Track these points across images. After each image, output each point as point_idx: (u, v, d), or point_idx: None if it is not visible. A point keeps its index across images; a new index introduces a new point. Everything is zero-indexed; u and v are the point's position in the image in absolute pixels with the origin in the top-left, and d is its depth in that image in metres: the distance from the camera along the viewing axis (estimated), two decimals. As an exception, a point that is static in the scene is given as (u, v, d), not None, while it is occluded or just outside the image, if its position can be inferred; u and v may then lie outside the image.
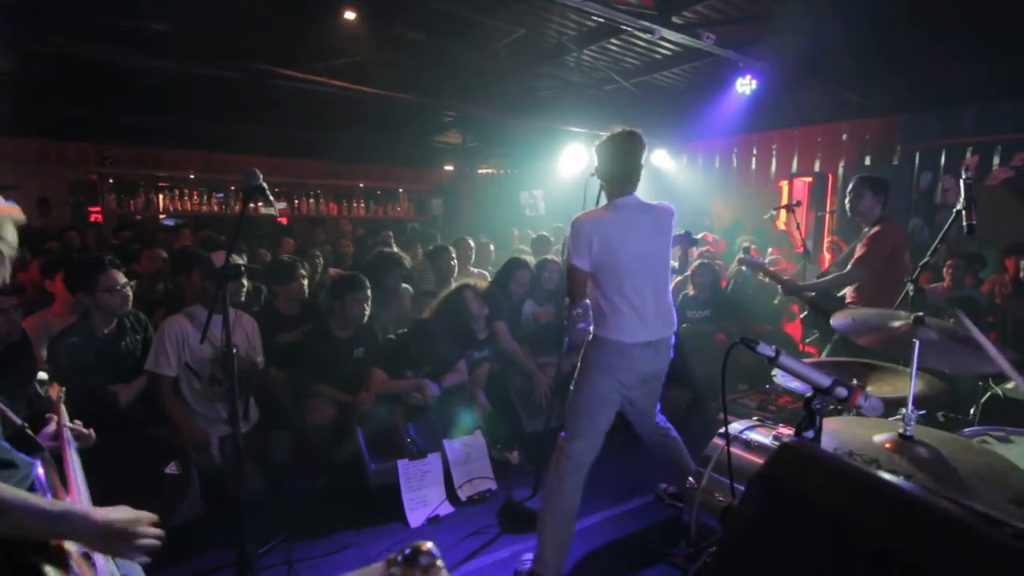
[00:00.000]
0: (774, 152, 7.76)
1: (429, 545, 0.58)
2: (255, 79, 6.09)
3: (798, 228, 4.52)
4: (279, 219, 9.81)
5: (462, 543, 2.71)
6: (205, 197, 9.88)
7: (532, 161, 10.24)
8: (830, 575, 0.83)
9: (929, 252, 2.51)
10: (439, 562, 0.58)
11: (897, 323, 1.92)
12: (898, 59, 5.54)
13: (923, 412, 2.11)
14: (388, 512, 2.88)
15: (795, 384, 2.16)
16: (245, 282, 3.21)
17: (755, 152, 8.02)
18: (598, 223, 2.34)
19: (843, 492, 0.85)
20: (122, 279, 2.86)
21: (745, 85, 6.06)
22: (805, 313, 3.92)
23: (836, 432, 1.66)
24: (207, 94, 7.30)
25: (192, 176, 9.78)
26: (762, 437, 2.28)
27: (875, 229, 3.26)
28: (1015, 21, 4.64)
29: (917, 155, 6.36)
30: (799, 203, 5.47)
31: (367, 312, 3.43)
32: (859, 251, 3.27)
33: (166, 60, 5.74)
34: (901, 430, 1.61)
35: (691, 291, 4.83)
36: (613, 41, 6.31)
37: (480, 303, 3.77)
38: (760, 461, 2.14)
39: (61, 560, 1.06)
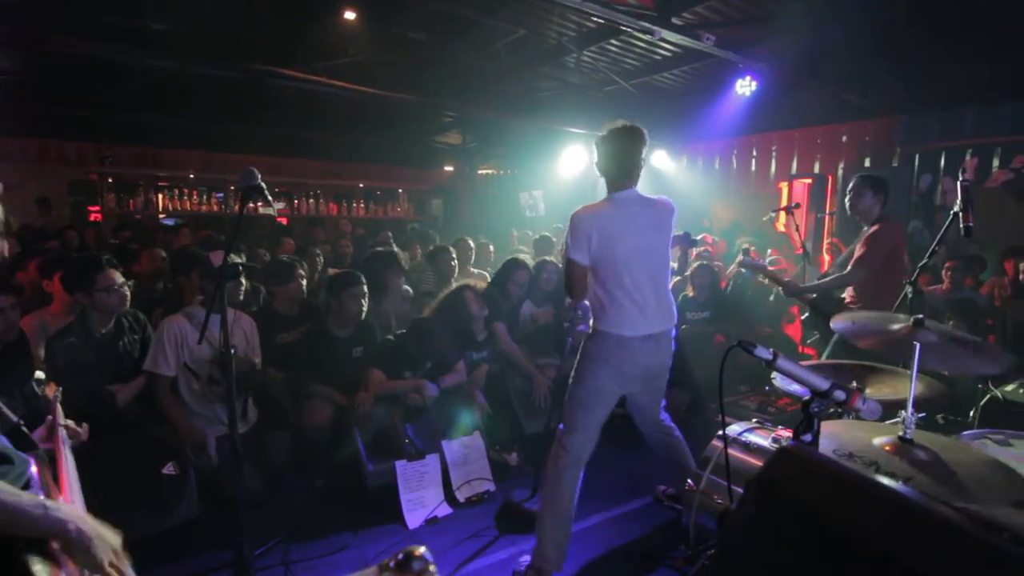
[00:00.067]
0: (774, 153, 7.76)
1: (422, 550, 0.58)
2: (255, 79, 6.09)
3: (797, 230, 4.51)
4: (279, 219, 9.82)
5: (460, 545, 2.70)
6: (205, 197, 9.88)
7: (532, 162, 10.25)
8: (828, 580, 0.82)
9: (928, 254, 2.51)
10: (432, 567, 0.57)
11: (897, 326, 1.92)
12: (897, 60, 5.54)
13: (923, 415, 2.11)
14: (386, 513, 2.87)
15: (794, 387, 2.15)
16: (243, 281, 3.20)
17: (755, 153, 8.02)
18: (597, 217, 2.34)
19: (841, 497, 0.85)
20: (119, 279, 2.86)
21: (745, 86, 6.06)
22: (806, 315, 3.91)
23: (836, 435, 1.65)
24: (207, 94, 7.30)
25: (192, 176, 9.78)
26: (761, 439, 2.28)
27: (874, 228, 3.26)
28: (1015, 22, 4.64)
29: (917, 157, 6.37)
30: (798, 205, 5.46)
31: (365, 308, 3.43)
32: (859, 251, 3.26)
33: (166, 60, 5.74)
34: (901, 433, 1.60)
35: (690, 292, 4.83)
36: (613, 42, 6.31)
37: (480, 304, 3.76)
38: (759, 463, 2.13)
39: (50, 555, 1.05)
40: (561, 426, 2.45)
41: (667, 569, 2.55)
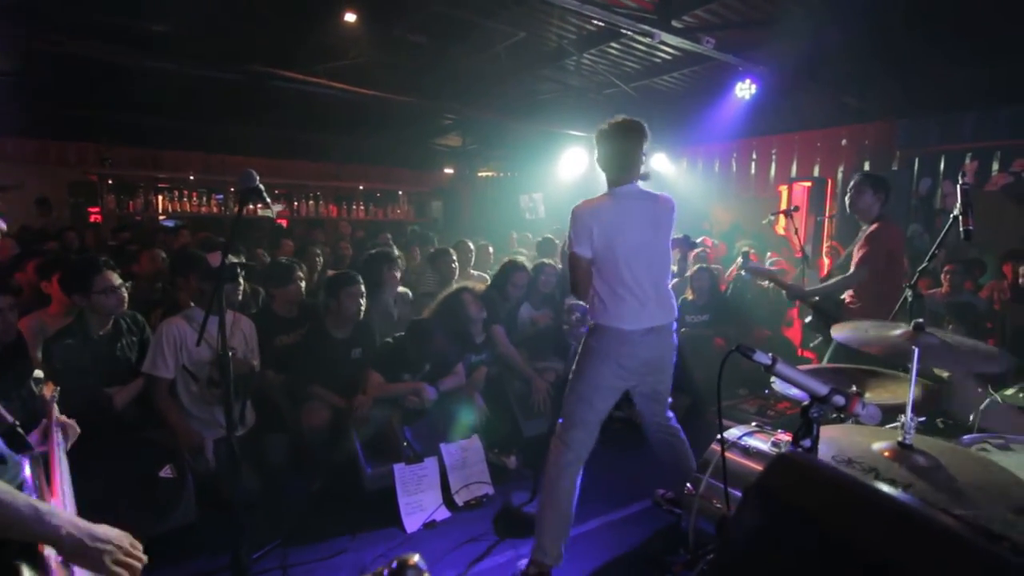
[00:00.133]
0: (773, 157, 7.76)
1: (416, 558, 0.57)
2: (255, 81, 6.09)
3: (796, 233, 4.52)
4: (279, 221, 9.81)
5: (459, 549, 2.69)
6: (204, 198, 9.87)
7: (532, 164, 10.25)
8: (827, 588, 0.81)
9: (927, 257, 2.50)
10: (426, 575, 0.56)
11: (897, 332, 1.91)
12: (897, 64, 5.54)
13: (922, 419, 2.10)
14: (384, 517, 2.86)
15: (794, 391, 2.14)
16: (242, 282, 3.20)
17: (754, 156, 8.02)
18: (597, 211, 2.35)
19: (840, 504, 0.84)
20: (117, 280, 2.85)
21: (745, 89, 6.06)
22: (808, 319, 3.91)
23: (835, 440, 1.64)
24: (207, 95, 7.30)
25: (191, 177, 9.77)
26: (760, 443, 2.26)
27: (873, 227, 3.26)
28: (1014, 26, 4.64)
29: (916, 160, 6.37)
30: (797, 208, 5.46)
31: (363, 307, 3.43)
32: (859, 251, 3.26)
33: (166, 61, 5.75)
34: (900, 438, 1.60)
35: (690, 295, 4.82)
36: (613, 45, 6.32)
37: (479, 306, 3.76)
38: (758, 467, 2.12)
39: (41, 563, 1.04)
40: (560, 420, 2.45)
41: (666, 574, 2.54)
